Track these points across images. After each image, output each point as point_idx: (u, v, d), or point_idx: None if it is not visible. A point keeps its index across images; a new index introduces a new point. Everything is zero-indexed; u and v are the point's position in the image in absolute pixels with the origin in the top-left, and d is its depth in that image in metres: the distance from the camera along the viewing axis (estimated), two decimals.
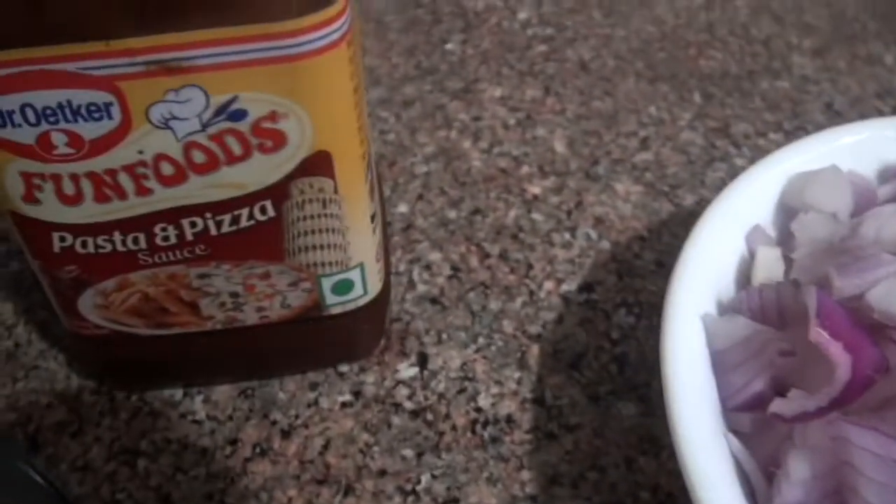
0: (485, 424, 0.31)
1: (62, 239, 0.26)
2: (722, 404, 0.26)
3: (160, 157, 0.24)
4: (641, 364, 0.33)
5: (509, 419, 0.31)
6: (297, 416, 0.31)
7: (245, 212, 0.26)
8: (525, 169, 0.41)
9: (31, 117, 0.23)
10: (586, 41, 0.48)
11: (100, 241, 0.26)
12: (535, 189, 0.40)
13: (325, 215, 0.26)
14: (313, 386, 0.32)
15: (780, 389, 0.26)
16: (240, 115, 0.23)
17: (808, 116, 0.44)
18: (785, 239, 0.31)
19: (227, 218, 0.26)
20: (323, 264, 0.28)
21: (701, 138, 0.42)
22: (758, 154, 0.42)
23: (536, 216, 0.38)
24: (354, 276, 0.29)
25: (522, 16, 0.50)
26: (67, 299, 0.28)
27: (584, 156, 0.41)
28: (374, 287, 0.30)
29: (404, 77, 0.46)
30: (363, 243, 0.28)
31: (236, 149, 0.24)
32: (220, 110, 0.23)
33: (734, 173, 0.40)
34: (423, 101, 0.44)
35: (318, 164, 0.25)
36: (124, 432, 0.31)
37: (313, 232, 0.27)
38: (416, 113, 0.44)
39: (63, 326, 0.30)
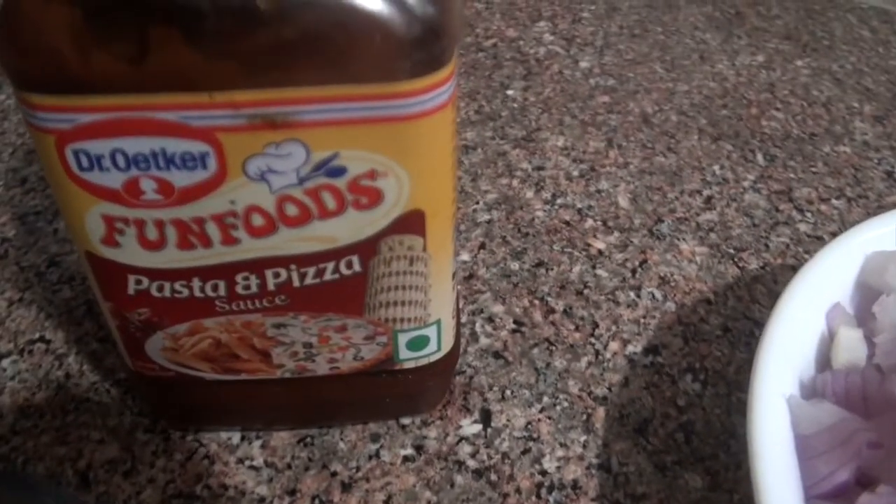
0: (550, 489, 0.30)
1: (138, 282, 0.26)
2: (805, 491, 0.26)
3: (252, 209, 0.24)
4: (708, 434, 0.32)
5: (575, 485, 0.30)
6: (357, 469, 0.30)
7: (331, 265, 0.25)
8: (589, 223, 0.40)
9: (121, 163, 0.22)
10: (648, 94, 0.48)
11: (177, 286, 0.26)
12: (599, 244, 0.39)
13: (411, 272, 0.26)
14: (375, 437, 0.31)
15: (864, 481, 0.25)
16: (338, 171, 0.23)
17: (869, 184, 0.44)
18: (864, 319, 0.30)
19: (311, 271, 0.25)
20: (402, 320, 0.27)
21: (765, 201, 0.42)
22: (821, 220, 0.41)
23: (601, 272, 0.38)
24: (431, 332, 0.28)
25: (584, 65, 0.50)
26: (135, 341, 0.28)
27: (648, 212, 0.41)
28: (448, 344, 0.29)
29: (465, 121, 0.46)
30: (443, 300, 0.28)
31: (331, 204, 0.24)
32: (320, 166, 0.23)
33: (798, 239, 0.40)
34: (485, 147, 0.44)
35: (410, 221, 0.24)
36: (179, 474, 0.31)
37: (397, 288, 0.26)
38: (477, 159, 0.43)
39: (119, 362, 0.29)
